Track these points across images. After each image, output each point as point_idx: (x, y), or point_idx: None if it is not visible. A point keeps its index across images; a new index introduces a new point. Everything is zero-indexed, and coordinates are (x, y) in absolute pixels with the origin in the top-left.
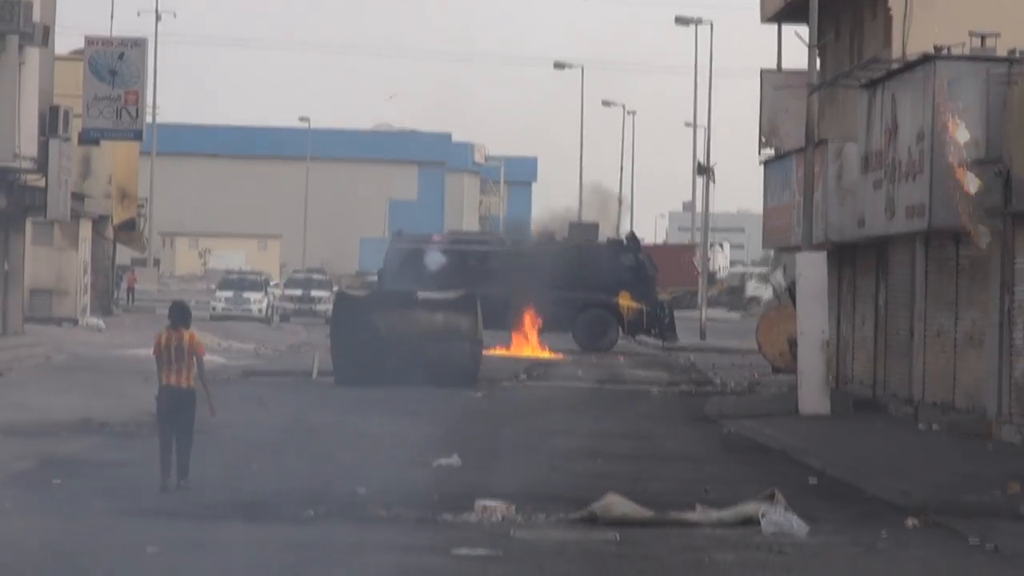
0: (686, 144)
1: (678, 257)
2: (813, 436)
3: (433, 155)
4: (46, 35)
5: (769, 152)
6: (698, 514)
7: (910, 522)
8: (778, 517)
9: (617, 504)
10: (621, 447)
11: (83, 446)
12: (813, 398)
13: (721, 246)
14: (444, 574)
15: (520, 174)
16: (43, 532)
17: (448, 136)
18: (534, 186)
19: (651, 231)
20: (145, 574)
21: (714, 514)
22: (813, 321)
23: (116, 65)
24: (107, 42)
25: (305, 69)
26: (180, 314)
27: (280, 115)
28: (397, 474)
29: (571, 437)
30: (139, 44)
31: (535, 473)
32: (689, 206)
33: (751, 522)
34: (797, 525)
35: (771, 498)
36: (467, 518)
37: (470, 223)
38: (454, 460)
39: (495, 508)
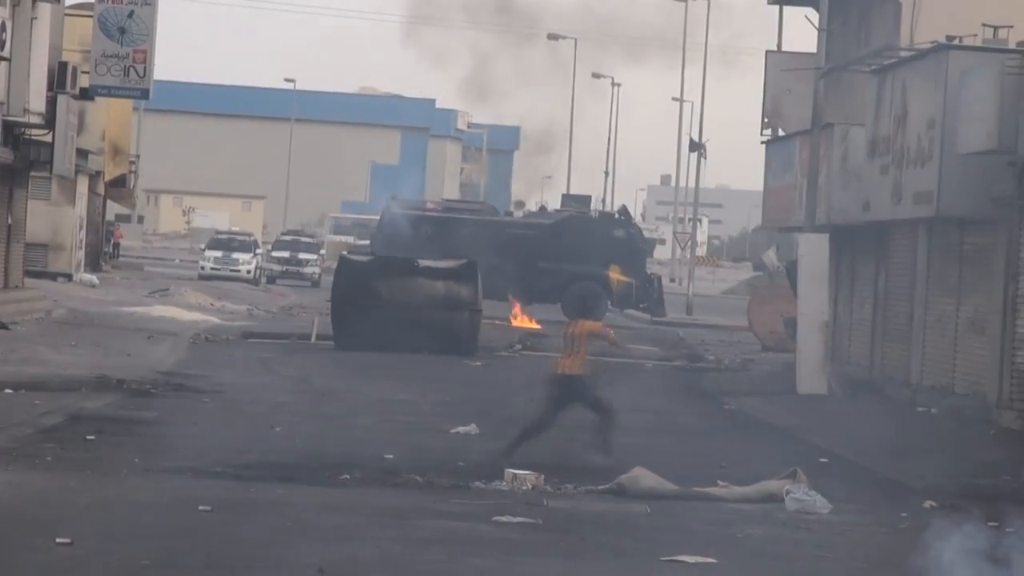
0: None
1: None
2: (815, 416)
3: (417, 120)
4: None
5: (769, 132)
6: (722, 489)
7: (927, 504)
8: (802, 495)
9: (644, 477)
10: (629, 421)
11: (106, 403)
12: (811, 378)
13: (700, 221)
14: (491, 540)
15: (503, 142)
16: (93, 488)
17: (432, 102)
18: (516, 155)
19: (632, 205)
20: (205, 531)
21: (738, 490)
22: (813, 302)
23: (125, 23)
24: (117, 0)
25: (292, 30)
26: (578, 306)
27: (266, 76)
28: (418, 440)
29: (578, 409)
30: (149, 3)
31: (552, 444)
32: (667, 180)
33: (774, 499)
34: (820, 503)
35: (793, 476)
36: (498, 486)
37: (451, 189)
38: (471, 428)
39: (525, 477)
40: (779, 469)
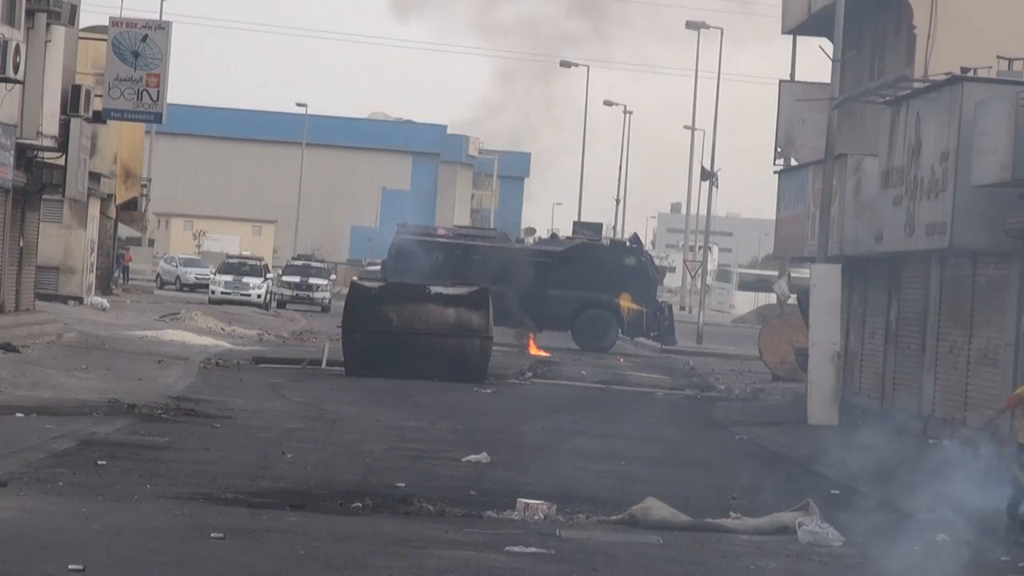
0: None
1: None
2: (826, 446)
3: (428, 146)
4: (73, 14)
5: (782, 162)
6: (735, 521)
7: (940, 537)
8: (814, 527)
9: (656, 508)
10: (640, 450)
11: (117, 428)
12: (823, 408)
13: (711, 250)
14: (504, 570)
15: (513, 169)
16: (105, 514)
17: (443, 128)
18: (526, 181)
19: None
20: (217, 558)
21: (751, 522)
22: (825, 333)
23: (139, 47)
24: (131, 23)
25: (303, 55)
26: None
27: (277, 100)
28: (430, 468)
29: (589, 439)
30: (163, 27)
31: (563, 473)
32: (678, 207)
33: (786, 531)
34: (833, 536)
35: (806, 508)
36: (510, 516)
37: (462, 215)
38: (483, 457)
39: (537, 507)
40: (791, 501)
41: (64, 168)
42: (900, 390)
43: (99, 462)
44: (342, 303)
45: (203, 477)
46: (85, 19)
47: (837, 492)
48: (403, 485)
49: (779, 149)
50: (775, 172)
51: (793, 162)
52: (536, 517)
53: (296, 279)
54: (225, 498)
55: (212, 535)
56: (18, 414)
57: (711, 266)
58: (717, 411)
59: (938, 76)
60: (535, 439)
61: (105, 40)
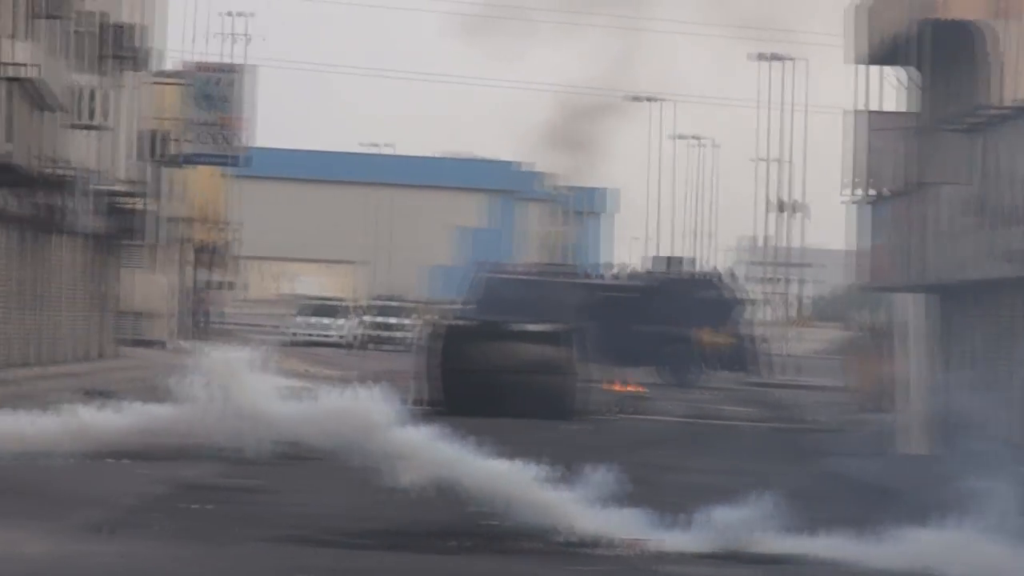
0: (751, 178)
1: None
2: (919, 476)
3: (502, 183)
4: (151, 59)
5: (858, 192)
6: (832, 553)
7: None
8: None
9: (755, 541)
10: (731, 484)
11: (207, 471)
12: (913, 437)
13: (791, 282)
14: None
15: (591, 204)
16: (202, 558)
17: (518, 164)
18: (603, 216)
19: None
20: None
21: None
22: (912, 361)
23: (218, 91)
24: (209, 67)
25: (378, 96)
26: None
27: (346, 140)
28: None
29: (685, 474)
30: (241, 70)
31: (658, 508)
32: (757, 240)
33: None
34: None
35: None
36: (608, 552)
37: (539, 252)
38: (575, 493)
39: (636, 541)
40: (885, 530)
41: (144, 213)
42: (990, 418)
43: (193, 506)
44: (424, 342)
45: (298, 519)
46: (165, 64)
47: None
48: (498, 523)
49: (854, 179)
50: (851, 202)
51: (871, 192)
52: (634, 552)
53: (378, 319)
54: (321, 539)
55: None
56: (109, 460)
57: (792, 298)
58: (806, 442)
59: (1018, 103)
60: (629, 475)
61: (183, 84)
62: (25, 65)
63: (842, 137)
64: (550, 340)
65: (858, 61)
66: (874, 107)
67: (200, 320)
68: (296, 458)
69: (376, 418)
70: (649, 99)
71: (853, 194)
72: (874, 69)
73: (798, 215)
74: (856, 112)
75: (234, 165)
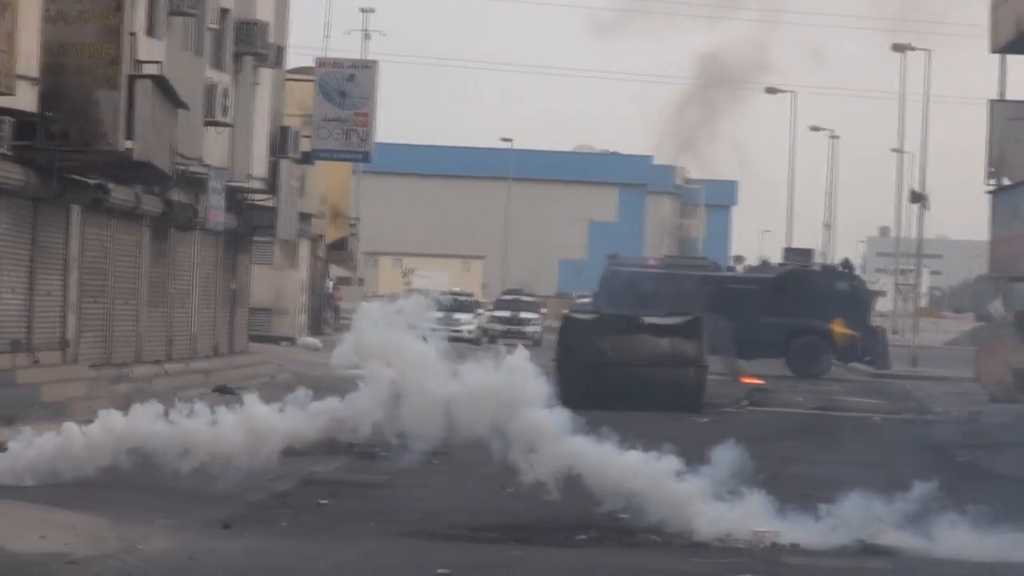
0: (884, 170)
1: None
2: None
3: (634, 177)
4: (279, 56)
5: (994, 182)
6: (966, 547)
7: None
8: None
9: (884, 533)
10: (861, 476)
11: (335, 467)
12: None
13: (921, 272)
14: None
15: (720, 197)
16: (329, 554)
17: (649, 158)
18: (734, 209)
19: (853, 256)
20: None
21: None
22: None
23: (346, 87)
24: (337, 63)
25: (506, 90)
26: None
27: (482, 136)
28: None
29: (811, 465)
30: (369, 66)
31: (786, 500)
32: (886, 231)
33: None
34: None
35: None
36: (736, 544)
37: (670, 245)
38: (705, 485)
39: (764, 534)
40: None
41: (274, 210)
42: None
43: (320, 501)
44: (553, 336)
45: (425, 514)
46: (291, 61)
47: None
48: (626, 516)
49: (991, 169)
50: (987, 192)
51: (1006, 181)
52: (762, 544)
53: (507, 314)
54: (449, 534)
55: (438, 571)
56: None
57: (922, 289)
58: (936, 434)
59: None
60: (756, 467)
61: (312, 81)
62: (159, 62)
63: (986, 127)
64: (674, 332)
65: (999, 51)
66: (1016, 98)
67: (330, 316)
68: (424, 453)
69: (528, 395)
70: (783, 91)
71: (987, 183)
72: (1012, 59)
73: (918, 206)
74: (992, 101)
75: (364, 161)
